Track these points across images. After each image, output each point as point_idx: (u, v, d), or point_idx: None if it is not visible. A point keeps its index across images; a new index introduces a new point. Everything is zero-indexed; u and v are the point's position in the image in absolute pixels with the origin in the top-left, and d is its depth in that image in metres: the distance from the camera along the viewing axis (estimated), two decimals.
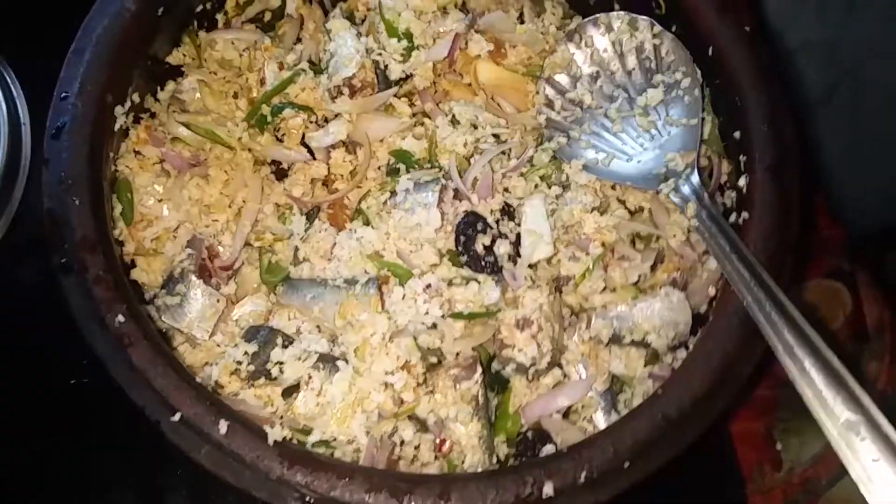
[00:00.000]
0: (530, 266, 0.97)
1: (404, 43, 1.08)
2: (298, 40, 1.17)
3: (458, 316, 0.94)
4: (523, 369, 0.95)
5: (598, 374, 0.97)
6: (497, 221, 0.99)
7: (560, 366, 0.98)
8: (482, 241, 0.97)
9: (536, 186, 1.03)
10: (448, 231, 0.99)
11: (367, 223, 1.02)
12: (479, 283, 0.96)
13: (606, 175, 1.06)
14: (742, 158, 1.01)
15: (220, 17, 1.19)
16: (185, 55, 1.15)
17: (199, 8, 1.16)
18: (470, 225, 0.97)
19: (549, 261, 0.99)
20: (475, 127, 1.06)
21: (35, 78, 1.37)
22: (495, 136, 1.06)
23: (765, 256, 0.93)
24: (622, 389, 1.02)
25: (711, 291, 1.04)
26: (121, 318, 0.87)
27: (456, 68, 1.14)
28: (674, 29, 1.09)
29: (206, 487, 1.20)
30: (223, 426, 0.83)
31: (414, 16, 1.09)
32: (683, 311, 0.99)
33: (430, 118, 1.09)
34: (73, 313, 0.88)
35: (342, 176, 1.08)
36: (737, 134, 1.02)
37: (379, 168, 1.08)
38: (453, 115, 1.07)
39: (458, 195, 1.00)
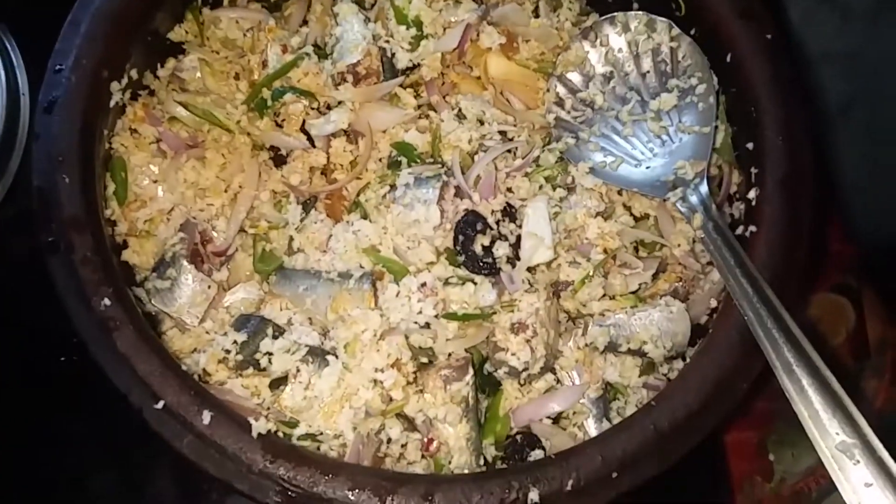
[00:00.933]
0: (529, 269, 0.95)
1: (413, 31, 1.05)
2: (304, 23, 1.14)
3: (451, 317, 0.92)
4: (516, 373, 0.93)
5: (592, 381, 0.96)
6: (497, 222, 0.96)
7: (553, 371, 0.97)
8: (481, 242, 0.94)
9: (541, 187, 1.01)
10: (447, 229, 0.96)
11: (364, 216, 1.00)
12: (475, 284, 0.93)
13: (614, 180, 1.03)
14: (754, 170, 0.98)
15: None
16: (187, 32, 1.12)
17: None
18: (469, 224, 0.95)
19: (548, 265, 0.96)
20: (481, 123, 1.04)
21: (37, 47, 1.33)
22: (501, 132, 1.04)
23: (769, 272, 0.91)
24: (615, 397, 1.00)
25: (713, 303, 1.02)
26: (107, 301, 0.85)
27: (465, 60, 1.11)
28: (692, 32, 1.06)
29: (192, 471, 1.20)
30: (206, 416, 0.82)
31: (425, 3, 1.06)
32: (683, 321, 0.97)
33: (435, 111, 1.07)
34: (58, 293, 0.87)
35: (341, 166, 1.05)
36: (750, 145, 0.99)
37: (380, 160, 1.05)
38: (459, 109, 1.04)
39: (459, 193, 0.98)
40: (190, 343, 0.99)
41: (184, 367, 0.92)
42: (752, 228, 0.95)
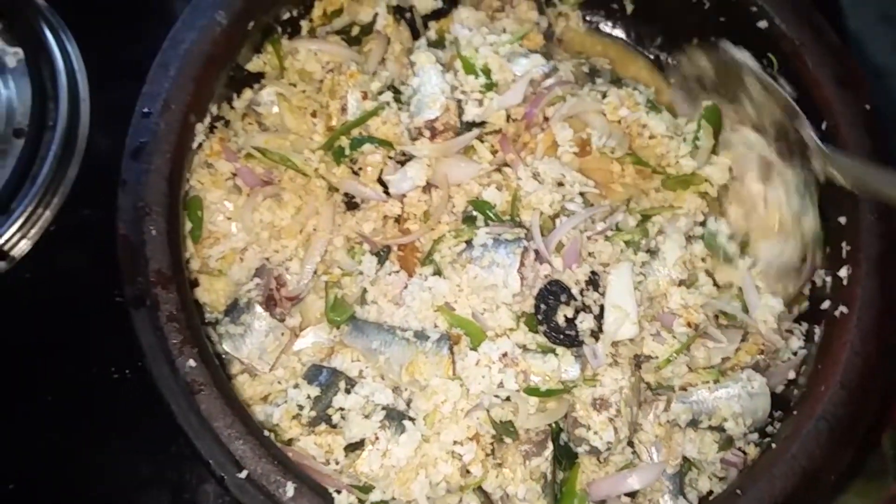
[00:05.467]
0: (612, 343, 0.92)
1: (482, 80, 1.01)
2: (383, 60, 1.10)
3: (534, 392, 0.89)
4: (597, 452, 0.91)
5: (671, 457, 0.94)
6: (581, 291, 0.92)
7: (631, 444, 0.95)
8: (564, 313, 0.91)
9: (622, 251, 0.97)
10: (526, 295, 0.93)
11: (437, 272, 0.97)
12: (556, 355, 0.91)
13: None
14: (846, 247, 0.95)
15: (304, 24, 1.13)
16: (265, 63, 1.10)
17: (286, 16, 1.09)
18: (553, 294, 0.91)
19: (631, 339, 0.93)
20: (561, 185, 1.00)
21: (99, 51, 1.31)
22: (581, 194, 1.00)
23: (861, 359, 0.89)
24: (689, 469, 0.98)
25: (791, 375, 1.00)
26: (191, 362, 0.84)
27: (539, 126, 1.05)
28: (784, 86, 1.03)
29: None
30: (290, 488, 0.81)
31: (491, 50, 1.02)
32: (764, 398, 0.95)
33: (510, 167, 1.03)
34: (143, 351, 0.85)
35: (415, 216, 1.02)
36: (842, 219, 0.96)
37: (453, 211, 1.01)
38: (537, 172, 1.00)
39: (539, 257, 0.94)
40: (261, 390, 0.98)
41: (256, 420, 0.91)
42: (843, 309, 0.93)
